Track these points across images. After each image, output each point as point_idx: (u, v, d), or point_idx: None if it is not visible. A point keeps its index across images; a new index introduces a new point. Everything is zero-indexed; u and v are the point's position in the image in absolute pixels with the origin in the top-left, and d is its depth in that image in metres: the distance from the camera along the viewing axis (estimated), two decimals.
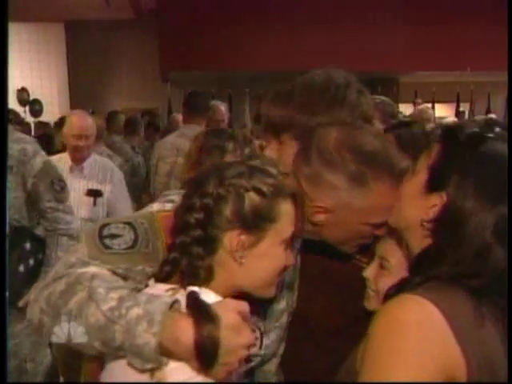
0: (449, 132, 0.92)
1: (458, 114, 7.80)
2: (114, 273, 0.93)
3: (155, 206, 1.05)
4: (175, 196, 1.05)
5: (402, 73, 7.38)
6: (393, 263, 1.12)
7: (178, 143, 3.33)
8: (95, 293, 0.84)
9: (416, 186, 0.92)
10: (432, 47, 6.57)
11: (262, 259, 0.93)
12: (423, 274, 0.85)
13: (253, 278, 0.94)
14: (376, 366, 0.78)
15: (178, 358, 0.81)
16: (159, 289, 0.90)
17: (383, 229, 1.09)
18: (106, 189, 3.12)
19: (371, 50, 6.41)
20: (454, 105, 7.89)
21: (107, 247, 0.95)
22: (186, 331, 0.79)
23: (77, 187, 3.07)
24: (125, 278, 0.94)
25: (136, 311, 0.81)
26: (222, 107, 3.79)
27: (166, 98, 7.01)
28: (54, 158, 3.05)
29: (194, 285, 0.88)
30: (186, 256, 0.91)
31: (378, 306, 1.14)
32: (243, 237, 0.91)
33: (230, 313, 0.82)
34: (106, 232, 0.97)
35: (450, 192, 0.85)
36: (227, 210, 0.90)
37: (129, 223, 0.98)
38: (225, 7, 6.51)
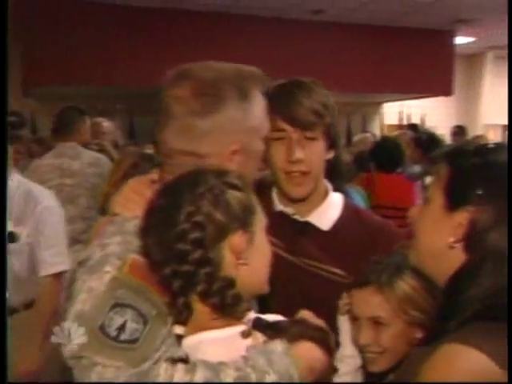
0: (454, 152, 0.96)
1: None
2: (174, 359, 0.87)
3: (109, 267, 0.91)
4: (114, 241, 0.95)
5: None
6: (386, 316, 1.12)
7: (60, 164, 3.19)
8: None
9: (435, 211, 0.94)
10: (300, 66, 6.94)
11: (259, 253, 0.93)
12: (458, 309, 0.85)
13: (258, 276, 0.94)
14: None
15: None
16: (228, 334, 0.89)
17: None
18: (25, 229, 2.20)
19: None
20: None
21: (130, 341, 0.85)
22: (314, 356, 0.90)
23: None
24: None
25: (270, 378, 0.84)
26: (105, 123, 4.13)
27: (29, 113, 6.51)
28: None
29: (233, 307, 0.88)
30: (198, 286, 0.86)
31: (388, 365, 1.14)
32: (243, 235, 0.90)
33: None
34: (111, 330, 0.85)
35: (473, 206, 0.88)
36: (219, 216, 0.87)
37: (117, 304, 0.87)
38: (93, 22, 6.25)
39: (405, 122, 9.05)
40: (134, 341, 0.85)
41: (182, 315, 0.89)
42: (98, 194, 3.09)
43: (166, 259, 0.87)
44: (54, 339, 0.82)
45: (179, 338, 0.91)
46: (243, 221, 0.90)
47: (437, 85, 8.00)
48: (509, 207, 0.86)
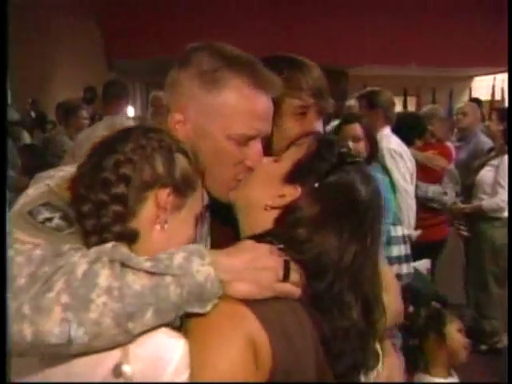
0: (325, 141, 0.98)
1: (406, 107, 8.00)
2: None
3: (50, 181, 0.91)
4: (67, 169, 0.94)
5: (350, 66, 7.41)
6: None
7: None
8: (128, 259, 0.78)
9: (274, 172, 0.95)
10: (379, 41, 6.62)
11: (179, 228, 0.89)
12: None
13: (168, 248, 0.87)
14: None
15: (231, 287, 0.81)
16: None
17: (257, 155, 1.04)
18: None
19: (320, 43, 6.39)
20: (402, 98, 8.04)
21: (56, 229, 0.84)
22: (236, 254, 0.82)
23: None
24: None
25: (180, 255, 0.79)
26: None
27: None
28: None
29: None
30: (104, 217, 0.83)
31: None
32: (171, 197, 0.86)
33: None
34: (39, 217, 0.85)
35: (303, 190, 0.89)
36: (159, 166, 0.85)
37: (48, 204, 0.87)
38: None
39: (497, 97, 8.41)
40: (59, 229, 0.85)
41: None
42: None
43: (94, 187, 0.84)
44: (53, 340, 0.77)
45: None
46: (178, 185, 0.87)
47: None
48: (509, 205, 0.79)
